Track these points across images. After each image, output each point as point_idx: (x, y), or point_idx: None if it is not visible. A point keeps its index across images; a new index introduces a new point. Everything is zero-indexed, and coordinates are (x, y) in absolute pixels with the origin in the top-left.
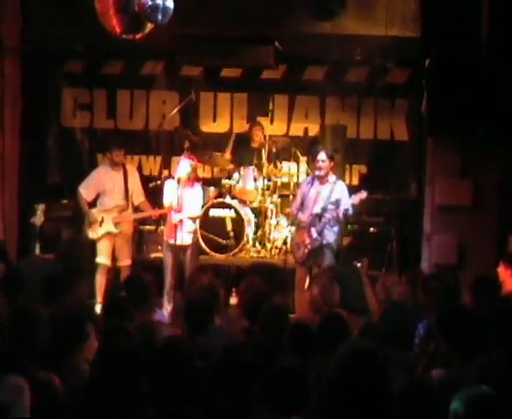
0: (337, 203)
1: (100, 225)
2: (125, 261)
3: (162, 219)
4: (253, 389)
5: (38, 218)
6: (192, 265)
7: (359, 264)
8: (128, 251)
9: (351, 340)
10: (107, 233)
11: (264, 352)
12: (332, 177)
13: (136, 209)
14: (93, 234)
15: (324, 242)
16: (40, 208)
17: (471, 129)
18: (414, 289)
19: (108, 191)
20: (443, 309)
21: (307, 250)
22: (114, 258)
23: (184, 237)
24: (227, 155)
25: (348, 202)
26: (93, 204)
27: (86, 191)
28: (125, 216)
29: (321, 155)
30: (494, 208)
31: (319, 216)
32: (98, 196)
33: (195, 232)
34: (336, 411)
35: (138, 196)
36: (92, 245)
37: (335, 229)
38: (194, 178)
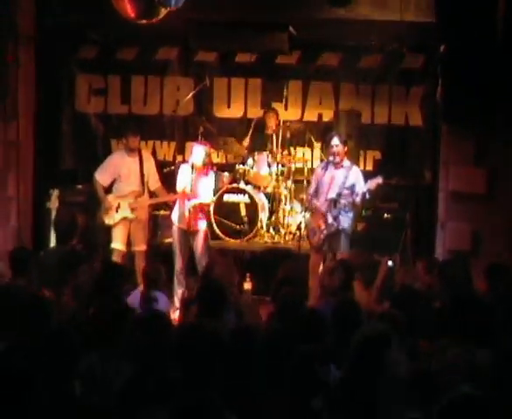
0: (352, 189)
1: (117, 211)
2: (140, 246)
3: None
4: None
5: (53, 203)
6: (203, 251)
7: (390, 263)
8: (143, 237)
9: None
10: (123, 218)
11: (279, 338)
12: (347, 162)
13: (152, 195)
14: (109, 220)
15: (340, 227)
16: (55, 193)
17: (486, 116)
18: (431, 276)
19: (124, 177)
20: (454, 296)
21: (322, 236)
22: (128, 243)
23: (196, 223)
24: (246, 142)
25: (363, 187)
26: (108, 190)
27: (101, 177)
28: (141, 202)
29: (335, 141)
30: (508, 195)
31: (334, 202)
32: (114, 182)
33: (207, 218)
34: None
35: (154, 182)
36: (107, 231)
37: (350, 214)
38: (209, 165)
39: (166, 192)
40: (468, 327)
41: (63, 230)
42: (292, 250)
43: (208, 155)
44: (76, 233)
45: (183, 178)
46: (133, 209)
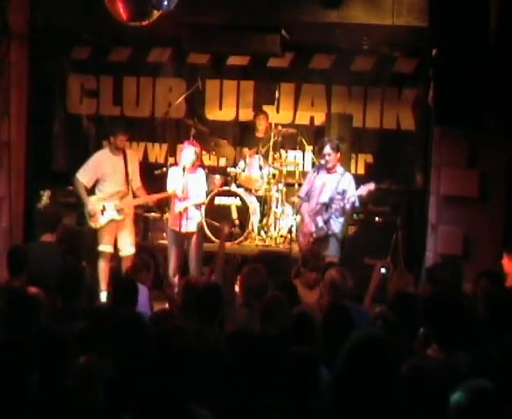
0: (343, 195)
1: (102, 214)
2: (128, 250)
3: (166, 206)
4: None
5: (44, 204)
6: (197, 253)
7: (383, 270)
8: (130, 239)
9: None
10: (110, 221)
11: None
12: (340, 169)
13: (134, 195)
14: (96, 224)
15: (330, 231)
16: (46, 194)
17: (478, 119)
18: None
19: (108, 175)
20: (431, 296)
21: (311, 239)
22: (116, 247)
23: (189, 225)
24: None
25: (354, 194)
26: (91, 192)
27: (85, 177)
28: (126, 203)
29: (327, 149)
30: (500, 199)
31: (326, 206)
32: (97, 183)
33: (200, 220)
34: (344, 399)
35: (136, 182)
36: (93, 234)
37: (341, 220)
38: (197, 164)
39: (145, 193)
40: (444, 328)
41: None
42: (283, 253)
43: (198, 157)
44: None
45: (174, 180)
46: (119, 211)
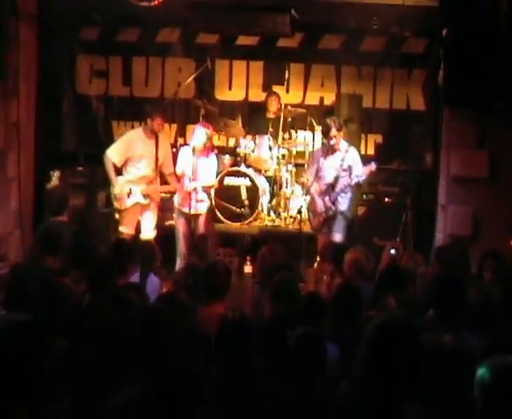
0: (350, 170)
1: (128, 196)
2: (149, 234)
3: None
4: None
5: (53, 185)
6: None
7: (393, 251)
8: (153, 223)
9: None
10: (135, 204)
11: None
12: (344, 145)
13: (164, 181)
14: (121, 205)
15: (338, 210)
16: (55, 174)
17: (488, 100)
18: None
19: (138, 157)
20: (436, 277)
21: (322, 219)
22: (138, 229)
23: (198, 206)
24: (238, 123)
25: (360, 169)
26: (118, 172)
27: (115, 156)
28: (153, 189)
29: (333, 131)
30: (509, 180)
31: (332, 186)
32: (125, 164)
33: (209, 201)
34: (368, 378)
35: (168, 167)
36: (107, 214)
37: (349, 195)
38: (209, 147)
39: (176, 180)
40: (450, 309)
41: (54, 203)
42: (292, 233)
43: (209, 138)
44: (66, 208)
45: (184, 160)
46: (145, 196)
